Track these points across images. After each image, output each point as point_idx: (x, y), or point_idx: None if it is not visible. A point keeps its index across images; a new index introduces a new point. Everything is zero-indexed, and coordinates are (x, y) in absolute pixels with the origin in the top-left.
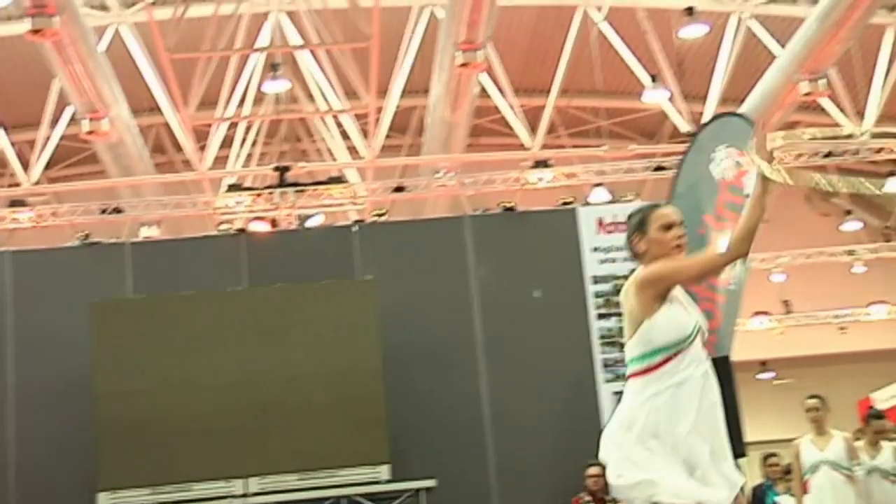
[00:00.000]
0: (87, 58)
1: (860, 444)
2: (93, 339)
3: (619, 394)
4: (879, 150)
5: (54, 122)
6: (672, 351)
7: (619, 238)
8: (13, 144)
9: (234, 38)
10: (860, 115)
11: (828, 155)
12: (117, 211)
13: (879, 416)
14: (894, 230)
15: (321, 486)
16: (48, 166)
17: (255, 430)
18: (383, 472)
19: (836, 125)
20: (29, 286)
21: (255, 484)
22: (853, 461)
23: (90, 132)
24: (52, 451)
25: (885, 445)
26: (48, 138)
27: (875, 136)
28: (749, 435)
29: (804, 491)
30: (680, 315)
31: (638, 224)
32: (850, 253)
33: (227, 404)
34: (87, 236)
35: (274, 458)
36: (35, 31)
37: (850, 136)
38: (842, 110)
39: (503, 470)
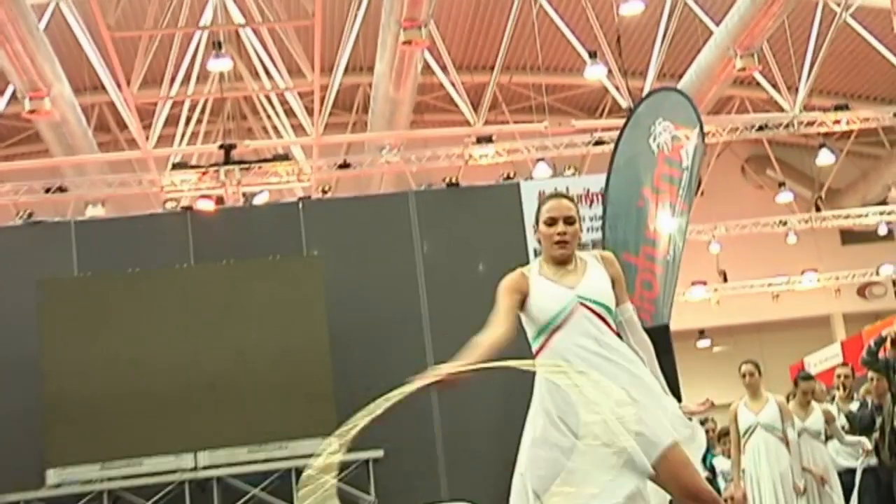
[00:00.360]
0: (26, 36)
1: (791, 406)
2: (40, 317)
3: None
4: (811, 124)
5: None
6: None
7: None
8: None
9: (177, 16)
10: (793, 88)
11: (761, 128)
12: (61, 190)
13: (808, 377)
14: (823, 199)
15: (271, 458)
16: None
17: (204, 404)
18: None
19: (770, 98)
20: None
21: (205, 457)
22: (786, 423)
23: (32, 111)
24: (12, 427)
25: (815, 407)
26: None
27: (806, 108)
28: (688, 401)
29: (741, 452)
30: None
31: (534, 217)
32: (783, 223)
33: (176, 380)
34: (30, 215)
35: (224, 432)
36: None
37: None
38: (774, 85)
39: (449, 440)
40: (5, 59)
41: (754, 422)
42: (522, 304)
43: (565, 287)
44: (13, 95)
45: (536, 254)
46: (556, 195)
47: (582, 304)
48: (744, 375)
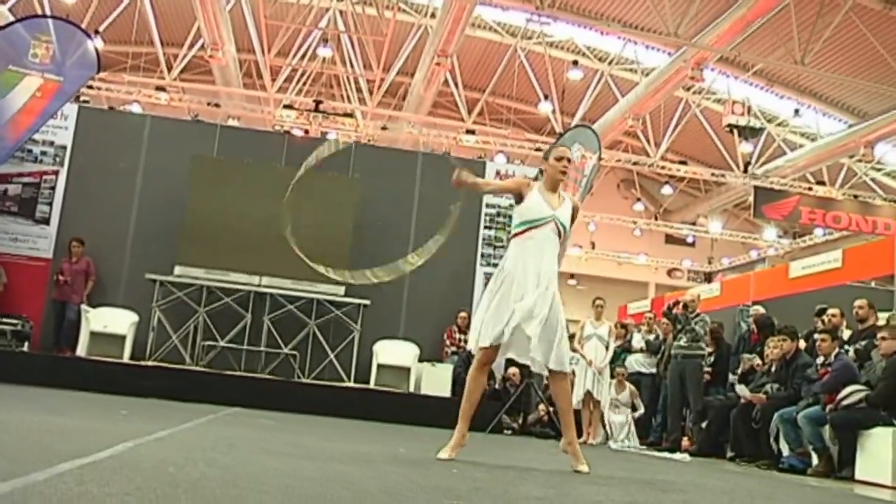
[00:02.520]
0: (217, 12)
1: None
2: (190, 177)
3: (488, 274)
4: (663, 168)
5: (191, 45)
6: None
7: None
8: (164, 54)
9: (306, 17)
10: (657, 144)
11: (635, 164)
12: (217, 105)
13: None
14: (660, 214)
15: (303, 289)
16: (184, 70)
17: (272, 249)
18: (341, 290)
19: (642, 147)
20: (161, 142)
21: (266, 280)
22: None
23: (210, 56)
24: (159, 238)
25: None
26: (186, 55)
27: (663, 158)
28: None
29: (581, 348)
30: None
31: (546, 152)
32: (634, 222)
33: (259, 231)
34: (196, 116)
35: (280, 269)
36: None
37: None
38: (647, 139)
39: (411, 303)
40: (203, 22)
41: (593, 333)
42: (519, 198)
43: (549, 205)
44: (202, 45)
45: (488, 206)
46: (563, 144)
47: (554, 220)
48: (597, 306)
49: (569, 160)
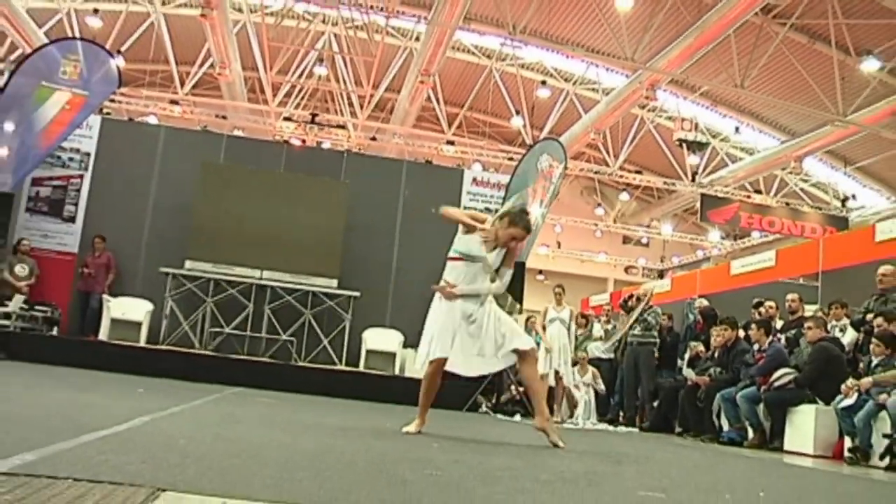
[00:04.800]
0: (225, 34)
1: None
2: (200, 184)
3: None
4: (621, 177)
5: (202, 63)
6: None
7: (483, 190)
8: (178, 71)
9: (304, 39)
10: (616, 155)
11: (596, 172)
12: (224, 118)
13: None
14: (618, 217)
15: (300, 282)
16: (195, 86)
17: (272, 245)
18: (334, 283)
19: (603, 158)
20: (174, 150)
21: (266, 273)
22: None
23: (219, 73)
24: (172, 235)
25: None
26: (197, 72)
27: (621, 168)
28: (525, 306)
29: (544, 330)
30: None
31: (512, 215)
32: (596, 224)
33: (261, 230)
34: (205, 127)
35: (279, 263)
36: (202, 16)
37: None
38: (607, 151)
39: (396, 295)
40: (213, 44)
41: (556, 316)
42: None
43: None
44: (211, 64)
45: (465, 208)
46: (529, 228)
47: (484, 261)
48: (556, 293)
49: (518, 241)
